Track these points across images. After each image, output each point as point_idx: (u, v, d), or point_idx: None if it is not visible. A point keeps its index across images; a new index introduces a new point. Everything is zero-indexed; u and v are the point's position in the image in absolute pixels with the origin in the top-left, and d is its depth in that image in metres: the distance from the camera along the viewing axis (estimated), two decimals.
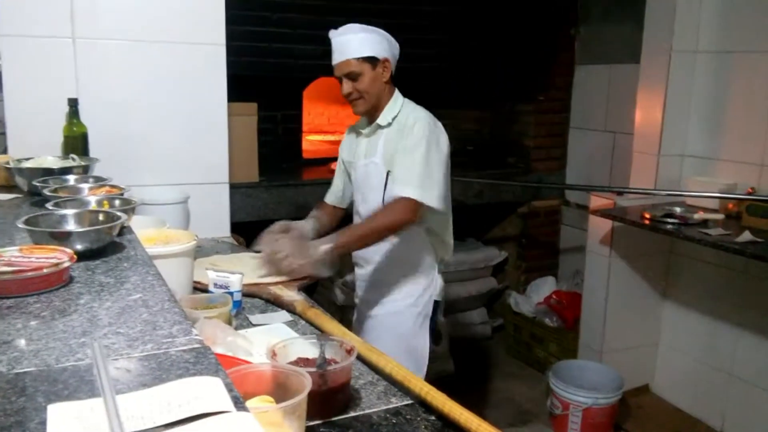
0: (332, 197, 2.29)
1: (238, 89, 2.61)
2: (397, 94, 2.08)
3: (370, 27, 2.01)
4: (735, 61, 3.01)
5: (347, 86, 2.00)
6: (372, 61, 1.98)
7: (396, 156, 1.97)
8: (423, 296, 2.12)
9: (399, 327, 2.11)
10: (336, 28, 2.02)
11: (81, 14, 2.12)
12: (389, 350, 1.97)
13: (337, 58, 2.01)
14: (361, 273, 2.22)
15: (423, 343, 2.12)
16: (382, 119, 2.04)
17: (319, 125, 4.42)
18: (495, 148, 4.30)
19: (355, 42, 1.97)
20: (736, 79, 3.02)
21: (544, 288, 3.96)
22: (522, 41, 4.04)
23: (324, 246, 1.78)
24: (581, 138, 4.04)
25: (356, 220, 2.16)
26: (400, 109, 2.04)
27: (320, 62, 3.55)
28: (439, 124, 2.03)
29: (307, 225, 2.10)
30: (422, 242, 2.09)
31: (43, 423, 0.65)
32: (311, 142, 4.15)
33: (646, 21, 3.18)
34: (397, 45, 2.07)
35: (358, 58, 1.97)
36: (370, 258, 2.14)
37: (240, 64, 3.09)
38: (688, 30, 3.10)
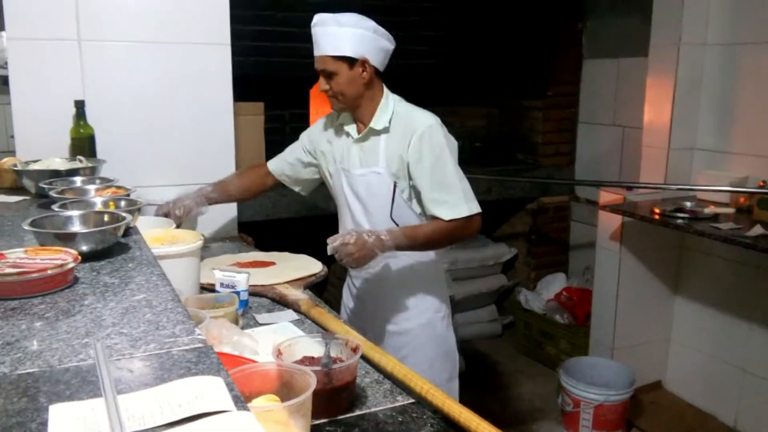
0: (277, 167, 2.18)
1: (244, 89, 2.62)
2: (386, 93, 1.93)
3: (349, 18, 1.81)
4: (745, 52, 2.98)
5: (323, 83, 1.87)
6: (349, 60, 1.81)
7: (422, 173, 1.83)
8: (443, 297, 2.05)
9: (433, 336, 2.01)
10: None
11: (86, 16, 2.13)
12: (428, 360, 1.98)
13: (315, 51, 1.86)
14: (371, 287, 2.06)
15: (452, 341, 2.07)
16: (376, 123, 1.88)
17: None
18: (503, 145, 4.28)
19: (331, 37, 1.80)
20: (746, 71, 2.99)
21: (554, 284, 3.94)
22: (529, 36, 4.02)
23: (388, 248, 1.77)
24: (590, 133, 4.01)
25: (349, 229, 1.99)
26: (393, 111, 1.89)
27: None
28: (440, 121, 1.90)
29: (197, 202, 2.08)
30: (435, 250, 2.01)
31: (45, 423, 0.65)
32: None
33: (654, 13, 3.15)
34: (386, 38, 1.86)
35: (333, 56, 1.81)
36: (381, 271, 1.98)
37: (246, 64, 3.10)
38: (696, 22, 3.07)
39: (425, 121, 1.84)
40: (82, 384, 0.74)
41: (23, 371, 0.77)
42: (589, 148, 4.04)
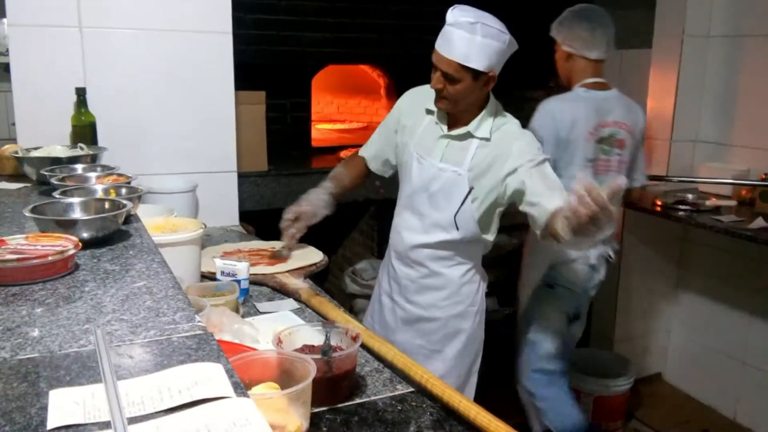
0: (369, 153, 2.10)
1: (246, 78, 2.60)
2: (492, 100, 1.86)
3: (491, 29, 1.70)
4: (748, 45, 2.97)
5: (438, 81, 1.76)
6: (476, 72, 1.71)
7: (528, 178, 1.75)
8: (479, 294, 2.02)
9: (463, 328, 1.99)
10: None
11: (87, 3, 2.12)
12: (451, 351, 1.98)
13: (439, 46, 1.73)
14: (410, 273, 1.98)
15: (480, 337, 2.05)
16: (477, 129, 1.82)
17: (328, 114, 4.41)
18: None
19: (467, 45, 1.68)
20: (749, 64, 2.97)
21: None
22: (531, 26, 4.00)
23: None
24: None
25: (405, 215, 1.95)
26: (495, 122, 1.84)
27: (329, 50, 3.55)
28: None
29: (319, 202, 1.99)
30: (479, 248, 1.99)
31: (45, 408, 0.65)
32: (320, 131, 4.14)
33: (657, 5, 3.14)
34: (515, 46, 1.79)
35: (461, 65, 1.70)
36: (423, 261, 1.95)
37: (248, 53, 3.08)
38: (700, 14, 3.06)
39: (522, 144, 1.81)
40: (82, 369, 0.74)
41: (24, 356, 0.77)
42: None
